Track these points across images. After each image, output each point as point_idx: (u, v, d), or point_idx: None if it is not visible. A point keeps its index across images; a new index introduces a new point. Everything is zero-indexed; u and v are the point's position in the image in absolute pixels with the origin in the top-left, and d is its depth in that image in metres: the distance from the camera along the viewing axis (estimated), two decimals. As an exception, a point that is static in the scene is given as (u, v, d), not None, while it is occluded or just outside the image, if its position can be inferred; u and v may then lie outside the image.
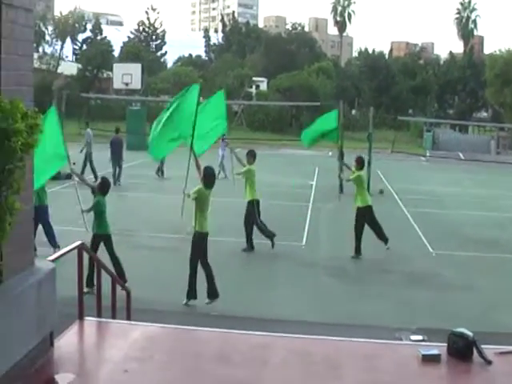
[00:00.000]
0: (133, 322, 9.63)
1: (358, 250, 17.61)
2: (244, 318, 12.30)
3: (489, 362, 8.24)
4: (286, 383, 7.32)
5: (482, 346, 8.22)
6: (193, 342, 8.58)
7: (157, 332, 8.81)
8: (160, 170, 32.41)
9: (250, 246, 17.87)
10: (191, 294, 13.35)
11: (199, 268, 13.31)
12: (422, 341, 10.03)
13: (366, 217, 17.82)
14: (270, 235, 17.97)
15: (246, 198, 18.27)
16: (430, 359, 8.25)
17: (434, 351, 8.39)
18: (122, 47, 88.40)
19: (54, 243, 16.24)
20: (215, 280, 13.30)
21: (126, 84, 56.85)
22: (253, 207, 18.06)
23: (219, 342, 8.63)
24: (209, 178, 13.66)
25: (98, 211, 14.11)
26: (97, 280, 9.47)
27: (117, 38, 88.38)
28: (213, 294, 13.34)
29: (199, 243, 13.38)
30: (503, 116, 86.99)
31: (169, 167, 31.74)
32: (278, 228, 18.38)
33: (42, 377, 6.94)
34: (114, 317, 9.94)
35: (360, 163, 18.34)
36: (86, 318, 8.71)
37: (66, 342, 7.91)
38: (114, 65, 64.30)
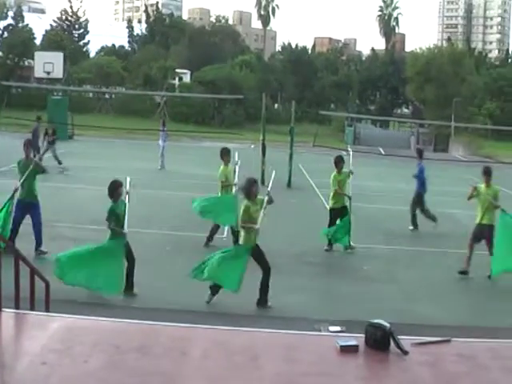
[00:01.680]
0: (52, 314, 9.49)
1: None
2: (164, 310, 12.24)
3: (405, 353, 8.38)
4: (206, 375, 7.32)
5: (400, 337, 8.36)
6: (113, 334, 8.50)
7: (76, 324, 8.71)
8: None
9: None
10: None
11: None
12: (341, 332, 10.12)
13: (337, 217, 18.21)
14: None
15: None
16: (348, 350, 8.35)
17: (352, 342, 8.49)
18: (44, 35, 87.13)
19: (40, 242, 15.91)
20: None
21: (48, 73, 55.94)
22: None
23: (139, 333, 8.58)
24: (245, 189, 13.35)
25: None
26: (15, 272, 9.30)
27: (39, 25, 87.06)
28: (263, 301, 13.19)
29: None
30: (423, 112, 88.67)
31: (96, 158, 31.56)
32: (199, 220, 18.31)
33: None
34: (32, 308, 9.78)
35: (336, 164, 18.48)
36: (4, 309, 8.56)
37: (-18, 334, 7.76)
38: (36, 53, 63.23)
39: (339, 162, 18.34)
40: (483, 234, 15.93)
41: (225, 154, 18.45)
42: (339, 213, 18.15)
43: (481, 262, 17.28)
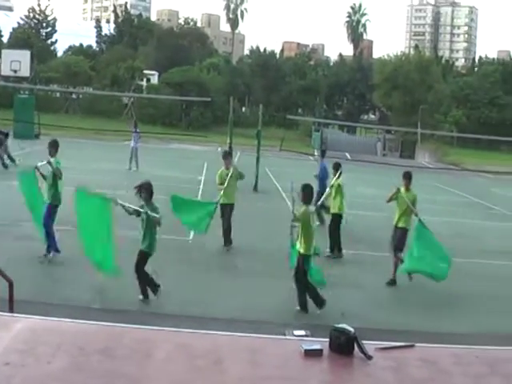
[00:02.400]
0: (15, 315, 9.40)
1: (339, 249, 18.61)
2: (127, 312, 12.17)
3: (369, 357, 8.42)
4: (169, 377, 7.29)
5: (364, 342, 8.40)
6: (76, 336, 8.44)
7: (40, 324, 8.65)
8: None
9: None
10: (319, 301, 13.29)
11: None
12: (305, 336, 10.14)
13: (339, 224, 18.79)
14: None
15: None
16: (313, 354, 8.38)
17: (316, 346, 8.52)
18: (11, 33, 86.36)
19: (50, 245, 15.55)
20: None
21: (15, 71, 55.44)
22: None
23: (103, 335, 8.54)
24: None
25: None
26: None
27: (6, 23, 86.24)
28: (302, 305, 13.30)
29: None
30: (390, 119, 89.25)
31: (63, 158, 31.26)
32: (165, 222, 18.21)
33: None
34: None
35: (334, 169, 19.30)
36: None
37: None
38: (3, 51, 62.57)
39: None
40: (396, 234, 16.15)
41: (225, 157, 18.93)
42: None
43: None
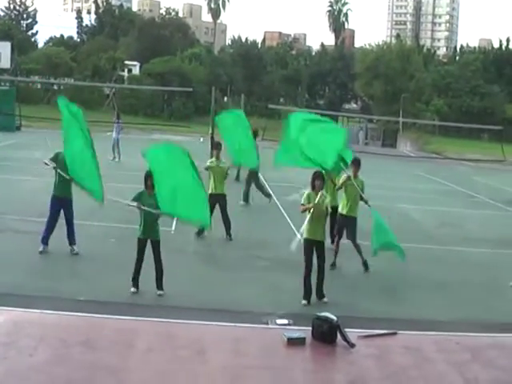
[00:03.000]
0: (-3, 307, 9.37)
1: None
2: (110, 303, 12.14)
3: (352, 345, 8.45)
4: (152, 368, 7.29)
5: (346, 330, 8.43)
6: (59, 327, 8.43)
7: (22, 317, 8.62)
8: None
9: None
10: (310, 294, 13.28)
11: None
12: (288, 325, 10.16)
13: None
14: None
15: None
16: (295, 342, 8.40)
17: (299, 334, 8.54)
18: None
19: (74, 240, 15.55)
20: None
21: (-5, 63, 55.15)
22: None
23: (85, 326, 8.52)
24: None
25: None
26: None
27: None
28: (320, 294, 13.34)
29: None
30: (372, 108, 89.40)
31: (44, 150, 31.17)
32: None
33: None
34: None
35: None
36: None
37: None
38: (-17, 42, 62.25)
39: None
40: (345, 224, 16.11)
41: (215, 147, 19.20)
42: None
43: (423, 255, 17.60)
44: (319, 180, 13.66)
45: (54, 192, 15.46)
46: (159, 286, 12.98)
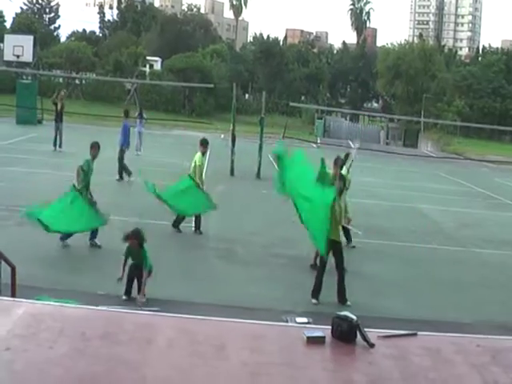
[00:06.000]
0: (17, 299, 9.38)
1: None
2: (131, 298, 12.19)
3: (371, 345, 8.40)
4: (170, 363, 7.27)
5: (366, 330, 8.37)
6: (78, 321, 8.42)
7: (42, 309, 8.61)
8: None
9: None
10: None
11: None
12: (307, 323, 10.13)
13: None
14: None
15: None
16: (315, 341, 8.35)
17: (319, 333, 8.49)
18: (14, 18, 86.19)
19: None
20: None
21: (17, 56, 55.28)
22: None
23: (104, 320, 8.51)
24: None
25: None
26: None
27: (9, 8, 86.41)
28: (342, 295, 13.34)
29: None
30: (393, 107, 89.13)
31: (65, 144, 31.39)
32: (165, 209, 18.20)
33: None
34: (-2, 293, 9.68)
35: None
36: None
37: None
38: (6, 36, 62.40)
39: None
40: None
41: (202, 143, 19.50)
42: None
43: (443, 256, 17.51)
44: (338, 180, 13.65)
45: None
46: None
